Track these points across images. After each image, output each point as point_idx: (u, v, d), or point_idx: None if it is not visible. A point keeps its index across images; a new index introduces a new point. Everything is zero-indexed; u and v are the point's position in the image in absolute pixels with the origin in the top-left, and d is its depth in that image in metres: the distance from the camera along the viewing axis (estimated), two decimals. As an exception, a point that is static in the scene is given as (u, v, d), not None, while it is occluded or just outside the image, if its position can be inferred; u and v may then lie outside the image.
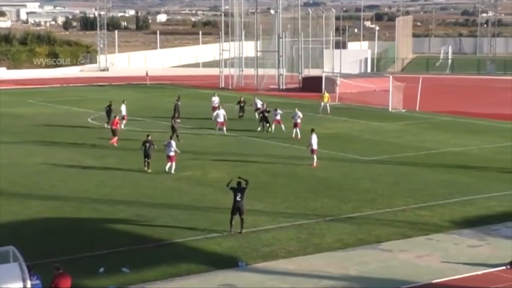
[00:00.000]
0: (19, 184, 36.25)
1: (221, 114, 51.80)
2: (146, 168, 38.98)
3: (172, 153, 38.77)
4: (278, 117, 52.18)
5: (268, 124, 52.55)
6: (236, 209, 27.63)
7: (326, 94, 64.25)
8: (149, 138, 39.80)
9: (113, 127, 48.02)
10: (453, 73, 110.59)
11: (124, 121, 54.02)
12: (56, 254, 24.83)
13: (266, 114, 53.05)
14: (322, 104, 62.65)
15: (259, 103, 57.89)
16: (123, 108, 55.16)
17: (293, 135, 49.13)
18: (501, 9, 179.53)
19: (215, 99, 59.77)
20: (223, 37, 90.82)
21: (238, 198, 27.58)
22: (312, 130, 41.41)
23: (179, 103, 58.35)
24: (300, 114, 49.93)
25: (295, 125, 49.51)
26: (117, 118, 49.55)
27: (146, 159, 39.10)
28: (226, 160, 42.15)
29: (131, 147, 45.58)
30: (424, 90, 68.18)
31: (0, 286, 18.14)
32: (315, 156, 40.41)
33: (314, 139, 40.51)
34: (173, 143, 39.30)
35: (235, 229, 27.73)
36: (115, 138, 47.28)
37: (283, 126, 51.72)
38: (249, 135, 51.02)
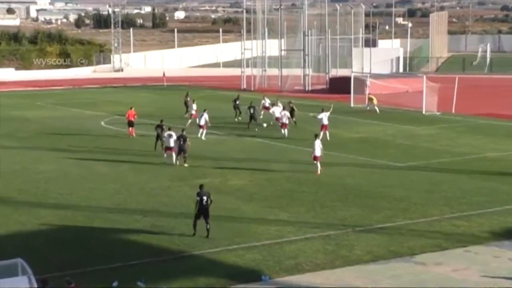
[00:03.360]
0: (27, 192, 36.38)
1: (202, 117, 51.29)
2: (181, 164, 41.97)
3: (172, 144, 42.32)
4: (285, 120, 52.32)
5: (254, 121, 54.97)
6: (202, 213, 28.49)
7: (374, 97, 64.76)
8: (184, 132, 42.73)
9: (129, 119, 52.26)
10: (491, 73, 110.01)
11: (190, 120, 56.19)
12: (66, 267, 24.86)
13: (252, 111, 55.44)
14: (376, 107, 63.99)
15: (267, 102, 60.02)
16: (193, 106, 57.70)
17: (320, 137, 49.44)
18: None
19: (267, 100, 61.08)
20: (245, 35, 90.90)
21: (204, 202, 28.56)
22: (316, 136, 41.01)
23: (238, 103, 60.54)
24: (326, 115, 50.13)
25: (323, 127, 49.71)
26: (133, 109, 52.99)
27: (182, 154, 42.19)
28: (248, 167, 42.10)
29: (146, 153, 45.68)
30: (460, 91, 67.84)
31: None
32: (318, 164, 39.91)
33: (318, 146, 40.08)
34: (174, 134, 42.51)
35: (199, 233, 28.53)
36: (131, 129, 52.07)
37: (286, 131, 51.86)
38: (271, 140, 50.95)
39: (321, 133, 49.50)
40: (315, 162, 39.93)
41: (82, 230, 29.96)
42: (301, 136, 51.04)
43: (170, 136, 42.71)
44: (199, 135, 50.35)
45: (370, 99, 65.15)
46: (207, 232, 28.36)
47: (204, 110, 51.95)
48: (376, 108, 64.10)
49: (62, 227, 30.35)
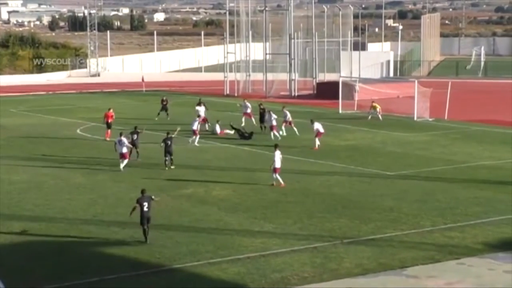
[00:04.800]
0: (0, 203, 36.27)
1: (195, 122, 52.76)
2: (168, 166, 43.51)
3: (125, 150, 43.48)
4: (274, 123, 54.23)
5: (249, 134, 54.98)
6: (145, 219, 29.20)
7: (378, 105, 64.80)
8: (169, 135, 44.00)
9: (107, 120, 54.17)
10: (486, 77, 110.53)
11: (204, 123, 57.28)
12: (41, 282, 24.83)
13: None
14: (379, 115, 64.20)
15: (248, 108, 60.93)
16: (202, 110, 58.55)
17: (316, 146, 50.16)
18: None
19: (248, 104, 61.45)
20: (228, 38, 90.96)
21: (145, 208, 29.27)
22: (276, 146, 40.61)
23: (202, 107, 60.96)
24: (319, 124, 50.63)
25: (318, 134, 50.45)
26: (111, 110, 55.02)
27: (167, 156, 43.66)
28: (232, 176, 42.15)
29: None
30: (453, 96, 68.11)
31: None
32: (277, 176, 39.13)
33: (278, 157, 39.85)
34: (125, 140, 43.64)
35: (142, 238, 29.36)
36: (108, 132, 53.79)
37: (280, 132, 54.02)
38: (255, 148, 51.01)
39: (316, 139, 49.99)
40: (275, 174, 39.25)
41: (58, 243, 29.89)
42: (288, 144, 51.16)
43: (121, 142, 43.56)
44: (190, 142, 51.34)
45: (374, 107, 65.11)
46: (145, 238, 29.16)
47: (198, 116, 53.99)
48: (380, 116, 64.20)
49: (37, 240, 30.25)
